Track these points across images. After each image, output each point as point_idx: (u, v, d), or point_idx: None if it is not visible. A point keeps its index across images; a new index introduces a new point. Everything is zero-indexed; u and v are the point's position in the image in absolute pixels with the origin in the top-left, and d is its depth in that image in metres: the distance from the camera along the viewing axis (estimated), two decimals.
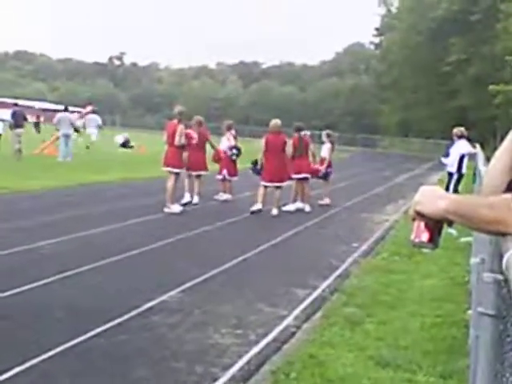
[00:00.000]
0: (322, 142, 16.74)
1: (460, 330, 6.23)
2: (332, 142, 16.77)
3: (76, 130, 28.86)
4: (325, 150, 16.51)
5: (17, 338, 5.60)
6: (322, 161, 16.46)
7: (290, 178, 15.06)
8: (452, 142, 16.21)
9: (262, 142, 14.47)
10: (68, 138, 25.73)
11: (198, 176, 15.12)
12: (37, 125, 48.10)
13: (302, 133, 15.53)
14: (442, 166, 17.23)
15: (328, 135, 16.81)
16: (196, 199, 14.93)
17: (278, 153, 14.31)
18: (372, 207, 16.73)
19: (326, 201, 16.39)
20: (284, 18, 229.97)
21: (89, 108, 34.18)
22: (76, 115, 31.49)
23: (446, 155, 16.14)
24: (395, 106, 75.03)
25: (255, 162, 14.93)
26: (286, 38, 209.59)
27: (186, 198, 14.76)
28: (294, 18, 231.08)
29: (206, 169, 15.38)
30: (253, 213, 13.90)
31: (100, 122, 33.86)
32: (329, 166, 16.59)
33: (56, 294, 6.94)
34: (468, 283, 7.95)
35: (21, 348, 5.33)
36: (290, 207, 15.08)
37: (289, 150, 14.57)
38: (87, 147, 31.81)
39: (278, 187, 14.38)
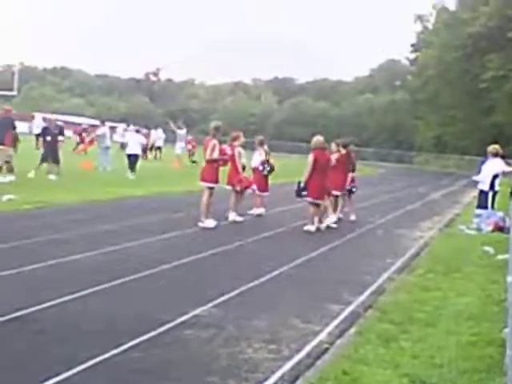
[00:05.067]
0: None
1: (497, 349, 6.13)
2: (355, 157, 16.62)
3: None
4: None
5: (50, 350, 5.63)
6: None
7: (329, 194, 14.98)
8: (485, 160, 16.17)
9: (310, 159, 14.07)
10: (107, 150, 28.71)
11: (236, 191, 15.06)
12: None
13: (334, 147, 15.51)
14: (475, 183, 17.08)
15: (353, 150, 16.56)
16: (231, 215, 14.82)
17: (324, 169, 14.11)
18: (407, 223, 16.60)
19: (353, 217, 16.28)
20: (318, 34, 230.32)
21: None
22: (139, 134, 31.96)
23: (479, 173, 16.11)
24: (431, 122, 74.67)
25: (300, 184, 14.18)
26: (320, 53, 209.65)
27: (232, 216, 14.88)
28: (328, 34, 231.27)
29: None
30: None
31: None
32: (353, 181, 16.49)
33: (90, 307, 6.98)
34: (505, 301, 7.84)
35: (55, 361, 5.36)
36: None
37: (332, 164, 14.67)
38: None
39: (318, 204, 14.15)
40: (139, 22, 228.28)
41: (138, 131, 28.38)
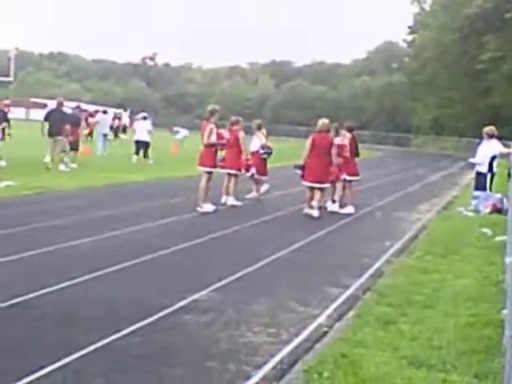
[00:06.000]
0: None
1: (495, 330, 6.15)
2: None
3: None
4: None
5: (50, 336, 5.64)
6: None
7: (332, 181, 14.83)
8: (481, 141, 16.13)
9: (308, 141, 14.03)
10: (105, 137, 29.99)
11: (233, 175, 14.99)
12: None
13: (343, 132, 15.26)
14: (472, 166, 17.07)
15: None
16: (230, 200, 14.79)
17: (324, 153, 13.85)
18: (405, 206, 16.61)
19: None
20: (315, 17, 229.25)
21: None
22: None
23: (475, 155, 16.09)
24: (428, 104, 74.47)
25: (299, 166, 14.19)
26: (318, 37, 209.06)
27: (223, 199, 14.82)
28: (325, 16, 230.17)
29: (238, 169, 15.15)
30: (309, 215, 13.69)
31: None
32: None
33: (89, 293, 6.99)
34: (503, 282, 7.86)
35: (54, 347, 5.38)
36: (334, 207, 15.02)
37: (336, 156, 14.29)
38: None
39: (320, 189, 13.95)
40: (135, 6, 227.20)
41: (145, 118, 28.79)
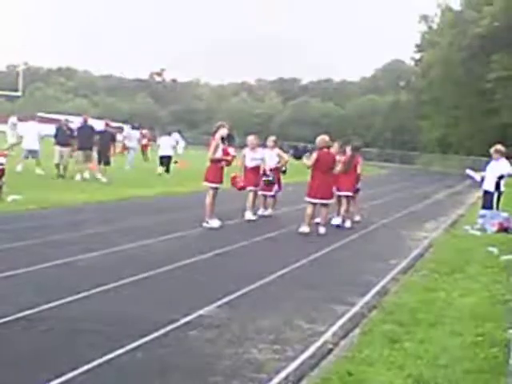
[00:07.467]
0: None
1: (501, 350, 6.12)
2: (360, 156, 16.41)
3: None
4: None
5: (56, 350, 5.64)
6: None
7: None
8: (490, 160, 16.15)
9: (313, 157, 13.92)
10: (133, 151, 31.83)
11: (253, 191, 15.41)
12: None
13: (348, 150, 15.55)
14: (468, 177, 17.16)
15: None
16: (247, 215, 15.24)
17: (328, 170, 13.81)
18: (411, 224, 16.57)
19: (358, 218, 16.21)
20: (323, 34, 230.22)
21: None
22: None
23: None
24: (435, 122, 74.45)
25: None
26: (325, 54, 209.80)
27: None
28: (333, 34, 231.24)
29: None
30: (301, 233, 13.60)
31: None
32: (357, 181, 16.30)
33: (95, 307, 6.99)
34: (509, 301, 7.83)
35: (59, 361, 5.37)
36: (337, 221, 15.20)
37: (338, 166, 14.33)
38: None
39: (325, 205, 13.94)
40: (143, 22, 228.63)
41: (169, 133, 30.92)
